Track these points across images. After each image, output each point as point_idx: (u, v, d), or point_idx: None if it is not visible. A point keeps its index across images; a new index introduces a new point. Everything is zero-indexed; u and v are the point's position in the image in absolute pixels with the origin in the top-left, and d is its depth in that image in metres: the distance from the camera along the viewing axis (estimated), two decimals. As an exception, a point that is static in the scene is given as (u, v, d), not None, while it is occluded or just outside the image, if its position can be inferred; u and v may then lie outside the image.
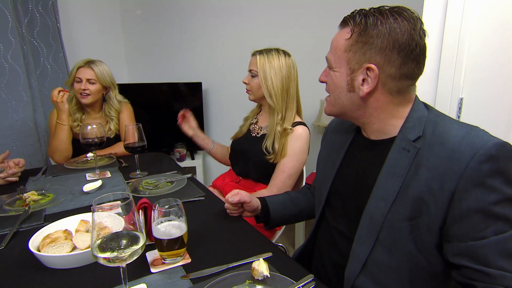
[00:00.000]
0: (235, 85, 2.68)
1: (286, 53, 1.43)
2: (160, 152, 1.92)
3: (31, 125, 2.19)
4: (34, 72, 2.24)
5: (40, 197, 1.17)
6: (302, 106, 1.53)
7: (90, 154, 1.64)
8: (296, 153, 1.40)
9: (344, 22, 0.79)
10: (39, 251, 0.82)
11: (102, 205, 0.66)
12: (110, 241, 0.64)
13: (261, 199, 1.12)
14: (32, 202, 1.13)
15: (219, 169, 2.98)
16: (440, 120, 0.76)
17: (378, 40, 0.72)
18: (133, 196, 1.22)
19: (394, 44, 0.72)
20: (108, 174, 1.45)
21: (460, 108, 1.21)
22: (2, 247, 0.90)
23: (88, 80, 1.72)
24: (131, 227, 0.67)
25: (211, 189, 1.63)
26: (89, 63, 1.74)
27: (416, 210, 0.71)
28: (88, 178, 1.40)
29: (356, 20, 0.75)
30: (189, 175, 1.42)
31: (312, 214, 1.14)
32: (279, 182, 1.39)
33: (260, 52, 1.42)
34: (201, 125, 2.78)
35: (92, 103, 1.78)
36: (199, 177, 2.81)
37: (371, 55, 0.74)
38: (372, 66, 0.74)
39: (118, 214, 0.67)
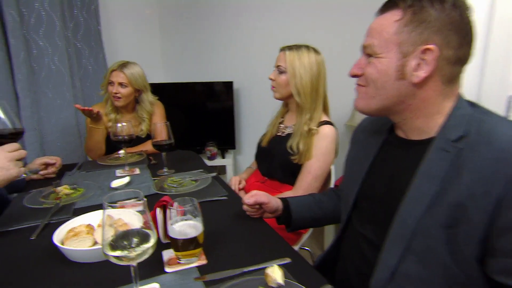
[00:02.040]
0: (266, 85, 2.65)
1: (316, 50, 1.38)
2: (192, 150, 1.94)
3: (73, 122, 2.32)
4: (77, 73, 2.38)
5: (71, 191, 1.22)
6: (333, 105, 1.47)
7: (122, 151, 1.69)
8: (323, 153, 1.34)
9: (392, 4, 0.72)
10: (62, 244, 0.85)
11: (125, 201, 0.67)
12: (121, 239, 0.64)
13: (283, 200, 1.08)
14: (64, 195, 1.19)
15: (249, 169, 2.98)
16: (487, 118, 0.68)
17: (436, 19, 0.66)
18: (158, 193, 1.24)
19: (452, 24, 0.66)
20: (137, 171, 1.48)
21: (508, 108, 1.08)
22: (33, 237, 0.95)
23: (120, 83, 1.77)
24: (144, 225, 0.67)
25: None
26: (121, 67, 1.78)
27: (454, 217, 0.64)
28: (117, 174, 1.45)
29: (407, 1, 0.69)
30: (214, 173, 1.41)
31: (337, 219, 1.08)
32: (305, 184, 1.34)
33: (290, 47, 1.38)
34: (232, 125, 2.80)
35: (125, 105, 1.84)
36: (229, 176, 2.81)
37: (429, 35, 0.67)
38: (432, 47, 0.67)
39: (140, 212, 0.67)
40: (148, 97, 1.89)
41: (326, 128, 1.35)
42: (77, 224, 0.92)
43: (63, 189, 1.21)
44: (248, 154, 3.00)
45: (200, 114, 2.87)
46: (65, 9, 2.23)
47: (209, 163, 2.65)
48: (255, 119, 2.86)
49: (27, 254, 0.89)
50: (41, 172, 1.44)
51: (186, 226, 0.81)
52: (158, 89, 2.04)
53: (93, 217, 0.96)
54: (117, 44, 2.65)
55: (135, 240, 0.64)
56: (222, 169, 2.80)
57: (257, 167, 1.60)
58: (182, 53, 2.98)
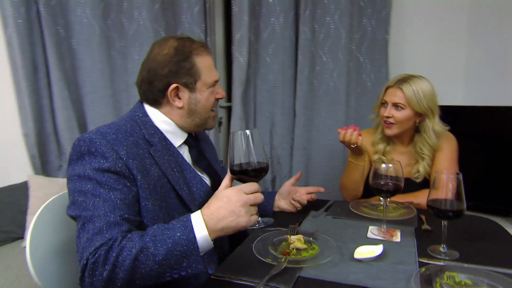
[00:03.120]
0: None
1: None
2: (488, 211, 1.21)
3: (341, 146, 2.13)
4: (354, 90, 2.16)
5: (304, 246, 0.94)
6: None
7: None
8: None
9: None
10: None
11: None
12: None
13: None
14: (294, 250, 0.92)
15: None
16: None
17: None
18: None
19: None
20: (397, 237, 1.00)
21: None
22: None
23: (395, 104, 1.33)
24: None
25: None
26: (400, 82, 1.33)
27: None
28: (369, 235, 1.03)
29: None
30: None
31: None
32: None
33: None
34: None
35: (398, 133, 1.38)
36: None
37: None
38: None
39: None
40: (434, 125, 1.32)
41: None
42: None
43: (297, 241, 0.95)
44: None
45: (509, 155, 1.89)
46: (354, 18, 2.06)
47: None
48: None
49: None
50: (292, 201, 1.27)
51: None
52: (450, 115, 1.42)
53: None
54: (405, 55, 2.20)
55: None
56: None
57: None
58: (496, 68, 2.08)
